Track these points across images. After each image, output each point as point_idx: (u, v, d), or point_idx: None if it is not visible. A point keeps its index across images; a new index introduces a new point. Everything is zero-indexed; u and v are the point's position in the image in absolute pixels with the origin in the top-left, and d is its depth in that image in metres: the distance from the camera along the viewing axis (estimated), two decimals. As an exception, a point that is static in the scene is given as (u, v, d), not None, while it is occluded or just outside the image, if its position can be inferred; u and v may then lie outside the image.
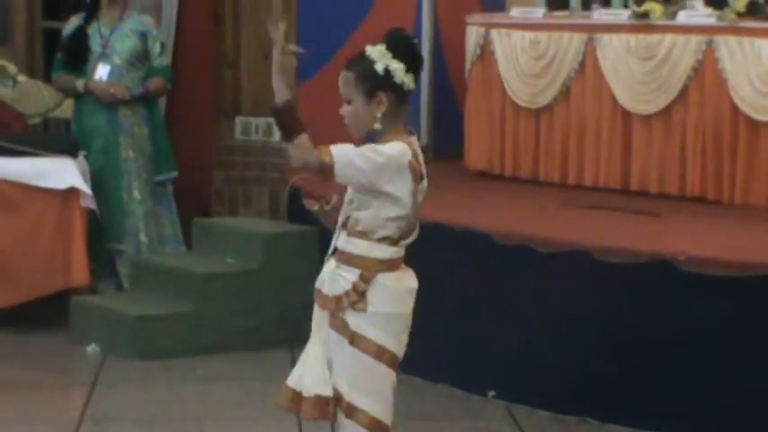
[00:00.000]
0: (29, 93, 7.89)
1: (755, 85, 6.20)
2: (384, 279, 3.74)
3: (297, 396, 3.82)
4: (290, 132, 3.77)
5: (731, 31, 6.33)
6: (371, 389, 3.75)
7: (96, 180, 6.98)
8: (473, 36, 7.30)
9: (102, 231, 7.09)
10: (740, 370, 5.09)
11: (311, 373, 3.78)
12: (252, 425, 5.46)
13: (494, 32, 7.21)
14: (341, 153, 3.69)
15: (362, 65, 3.80)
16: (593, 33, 6.82)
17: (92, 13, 7.35)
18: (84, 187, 6.77)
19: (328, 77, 8.06)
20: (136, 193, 7.29)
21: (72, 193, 6.77)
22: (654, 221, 6.07)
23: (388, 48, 3.80)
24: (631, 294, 5.31)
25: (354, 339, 3.72)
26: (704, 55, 6.40)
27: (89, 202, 6.80)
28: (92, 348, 6.48)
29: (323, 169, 3.70)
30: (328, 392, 3.74)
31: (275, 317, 6.57)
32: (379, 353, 3.74)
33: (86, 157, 7.05)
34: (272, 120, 8.90)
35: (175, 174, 7.49)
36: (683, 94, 6.50)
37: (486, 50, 7.25)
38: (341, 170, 3.68)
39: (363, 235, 3.74)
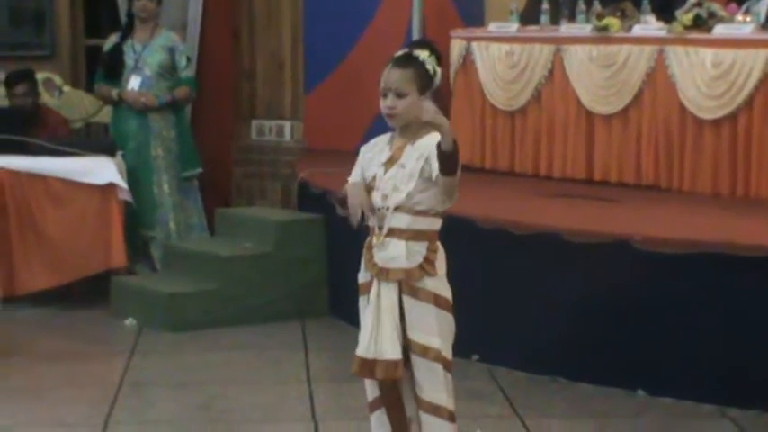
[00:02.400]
0: (73, 101, 7.88)
1: (700, 88, 6.19)
2: (440, 246, 3.91)
3: (365, 362, 3.90)
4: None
5: (679, 42, 6.31)
6: (449, 337, 3.92)
7: (131, 176, 6.97)
8: (456, 48, 7.28)
9: (137, 220, 7.08)
10: (688, 334, 5.08)
11: (385, 341, 3.86)
12: (269, 388, 5.46)
13: (474, 45, 7.19)
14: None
15: (417, 64, 3.88)
16: (561, 45, 6.80)
17: (127, 32, 7.34)
18: (121, 182, 6.76)
19: (333, 85, 8.08)
20: (165, 187, 7.27)
21: (111, 187, 6.75)
22: (614, 207, 6.07)
23: (431, 53, 3.91)
24: (595, 270, 5.30)
25: (436, 300, 3.86)
26: (656, 62, 6.39)
27: (125, 196, 6.78)
28: (129, 322, 6.47)
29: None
30: (398, 356, 3.85)
31: (288, 294, 6.55)
32: (449, 306, 3.91)
33: (123, 156, 7.04)
34: (282, 122, 8.92)
35: (200, 170, 7.47)
36: (638, 97, 6.48)
37: (467, 60, 7.23)
38: None
39: (425, 213, 3.86)
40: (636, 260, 5.16)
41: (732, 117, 6.10)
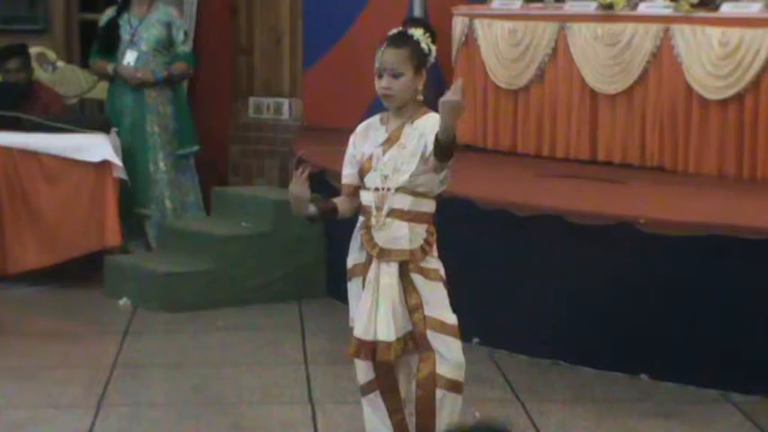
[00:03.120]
0: (67, 77, 7.84)
1: (707, 67, 6.16)
2: (435, 230, 3.94)
3: (363, 344, 3.91)
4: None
5: (685, 21, 6.27)
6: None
7: (126, 153, 6.94)
8: (458, 25, 7.24)
9: (131, 198, 7.05)
10: (692, 318, 5.07)
11: (381, 322, 3.88)
12: (266, 369, 5.45)
13: (477, 22, 7.15)
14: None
15: (412, 43, 3.88)
16: (565, 23, 6.77)
17: (124, 6, 7.30)
18: (116, 160, 6.72)
19: (332, 62, 8.04)
20: (161, 165, 7.24)
21: (105, 165, 6.72)
22: (618, 188, 6.04)
23: (425, 31, 3.89)
24: (599, 252, 5.28)
25: (441, 278, 3.92)
26: (662, 41, 6.35)
27: (120, 173, 6.75)
28: (123, 302, 6.45)
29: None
30: (392, 338, 3.87)
31: (285, 274, 6.53)
32: (446, 282, 3.96)
33: (118, 133, 7.00)
34: (280, 100, 8.89)
35: (197, 148, 7.44)
36: (643, 76, 6.45)
37: (470, 38, 7.19)
38: None
39: (425, 195, 3.88)
40: (640, 242, 5.14)
41: (739, 97, 6.07)
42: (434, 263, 3.92)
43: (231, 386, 5.18)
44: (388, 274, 3.88)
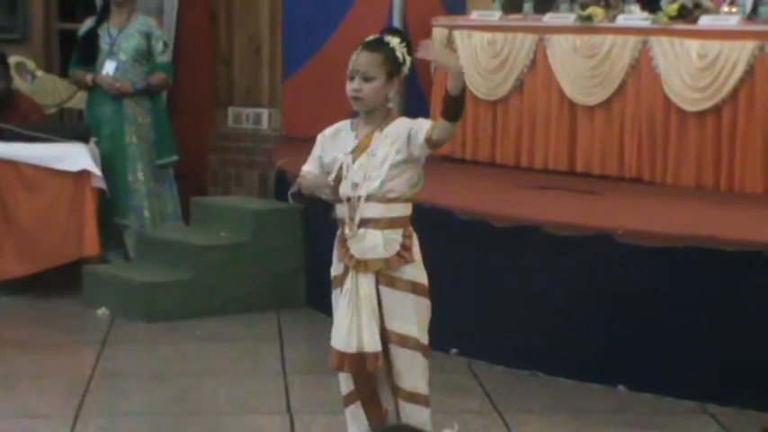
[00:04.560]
0: (46, 86, 7.83)
1: (685, 80, 6.20)
2: (413, 232, 3.94)
3: (344, 357, 3.92)
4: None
5: (664, 33, 6.32)
6: (426, 323, 3.97)
7: (105, 163, 6.92)
8: (438, 37, 7.26)
9: (110, 208, 7.04)
10: (669, 329, 5.09)
11: (365, 334, 3.88)
12: (244, 380, 5.44)
13: (456, 33, 7.17)
14: None
15: (387, 50, 3.90)
16: (544, 34, 6.80)
17: (103, 16, 7.29)
18: (95, 169, 6.72)
19: (312, 73, 8.05)
20: (140, 175, 7.23)
21: (84, 174, 6.71)
22: (596, 199, 6.07)
23: (401, 41, 3.93)
24: (576, 263, 5.30)
25: (414, 287, 3.90)
26: (640, 53, 6.39)
27: (99, 183, 6.75)
28: (102, 312, 6.43)
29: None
30: (378, 348, 3.88)
31: (264, 284, 6.53)
32: (426, 291, 3.94)
33: (97, 143, 6.99)
34: (259, 110, 8.89)
35: (176, 158, 7.43)
36: (621, 88, 6.48)
37: (449, 49, 7.20)
38: None
39: (397, 200, 3.88)
40: (618, 254, 5.16)
41: (716, 109, 6.11)
42: (410, 271, 3.90)
43: (210, 396, 5.18)
44: (366, 285, 3.89)
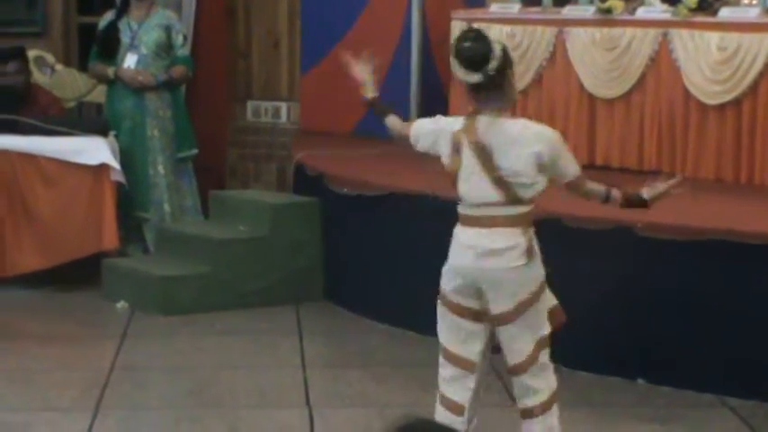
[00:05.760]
0: (65, 80, 7.85)
1: (705, 72, 6.17)
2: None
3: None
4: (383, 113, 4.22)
5: (684, 25, 6.29)
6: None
7: (125, 157, 6.94)
8: (457, 30, 7.23)
9: (130, 202, 7.06)
10: (689, 322, 5.08)
11: None
12: (263, 373, 5.45)
13: (475, 26, 7.14)
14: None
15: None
16: (563, 27, 6.77)
17: (123, 10, 7.31)
18: (114, 163, 6.73)
19: (330, 67, 8.03)
20: (160, 168, 7.25)
21: (103, 168, 6.73)
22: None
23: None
24: (596, 256, 5.29)
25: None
26: (660, 46, 6.36)
27: (118, 177, 6.76)
28: (121, 305, 6.45)
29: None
30: None
31: (282, 278, 6.54)
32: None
33: (116, 136, 7.01)
34: (278, 103, 8.90)
35: (195, 151, 7.44)
36: (641, 81, 6.46)
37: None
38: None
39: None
40: (638, 247, 5.15)
41: (736, 102, 6.08)
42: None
43: (228, 390, 5.19)
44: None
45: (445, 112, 7.33)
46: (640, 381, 5.16)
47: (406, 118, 8.78)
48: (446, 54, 7.52)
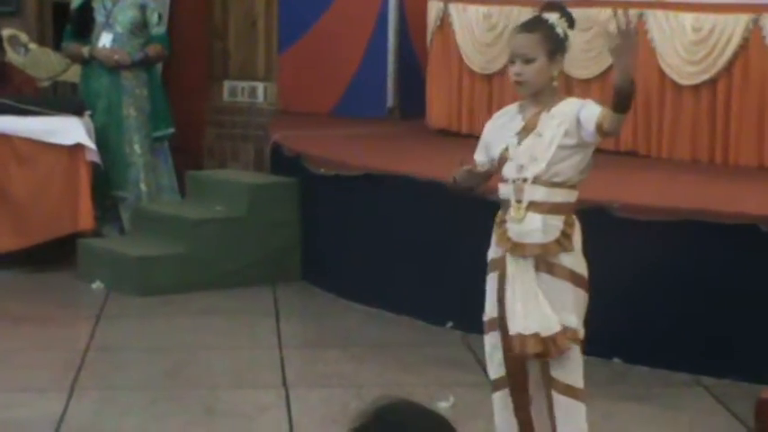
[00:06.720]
0: (39, 59, 7.79)
1: (680, 53, 6.17)
2: (576, 220, 3.76)
3: (523, 339, 3.71)
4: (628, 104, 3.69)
5: (659, 6, 6.28)
6: (583, 316, 3.77)
7: (101, 136, 6.90)
8: (434, 10, 7.22)
9: (107, 181, 7.02)
10: (664, 302, 5.09)
11: (522, 315, 3.69)
12: (240, 353, 5.44)
13: (452, 6, 7.13)
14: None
15: (545, 27, 3.75)
16: (538, 7, 6.74)
17: (97, -13, 7.25)
18: (89, 143, 6.69)
19: (307, 46, 8.02)
20: (137, 147, 7.21)
21: (78, 148, 6.68)
22: (591, 173, 6.02)
23: (561, 15, 3.78)
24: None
25: (572, 277, 3.71)
26: (636, 26, 6.35)
27: (93, 157, 6.72)
28: (96, 285, 6.42)
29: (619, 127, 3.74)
30: (557, 328, 3.69)
31: (259, 258, 6.52)
32: (585, 283, 3.76)
33: (91, 116, 6.96)
34: (255, 83, 8.82)
35: (172, 130, 7.41)
36: (617, 61, 6.44)
37: (445, 23, 7.17)
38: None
39: (562, 185, 3.72)
40: (614, 227, 5.15)
41: (711, 83, 6.08)
42: (568, 260, 3.71)
43: (205, 370, 5.17)
44: (524, 270, 3.72)
45: (421, 85, 7.38)
46: (616, 360, 5.17)
47: (383, 99, 8.78)
48: (423, 34, 7.53)
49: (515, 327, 3.70)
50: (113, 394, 4.88)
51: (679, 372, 5.03)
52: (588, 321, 5.04)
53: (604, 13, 6.46)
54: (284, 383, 4.98)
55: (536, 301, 3.69)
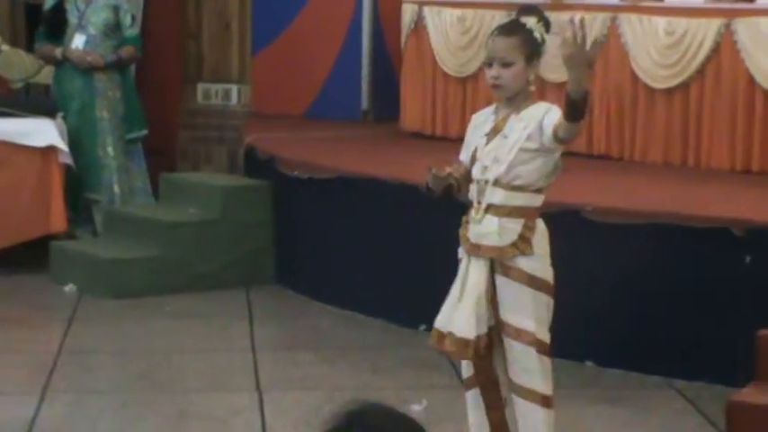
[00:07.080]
0: (11, 60, 7.74)
1: (653, 57, 6.20)
2: (539, 224, 3.75)
3: (441, 335, 3.77)
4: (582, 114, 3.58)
5: (632, 10, 6.31)
6: (546, 320, 3.76)
7: (74, 138, 6.87)
8: (408, 13, 7.23)
9: (80, 183, 6.99)
10: (636, 305, 5.11)
11: (461, 317, 3.72)
12: (213, 356, 5.42)
13: (426, 9, 7.14)
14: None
15: (523, 31, 3.75)
16: (512, 11, 6.75)
17: (70, -11, 7.22)
18: (62, 145, 6.66)
19: (281, 49, 8.01)
20: (110, 150, 7.18)
21: (51, 150, 6.65)
22: (564, 176, 6.04)
23: (539, 20, 3.78)
24: (545, 240, 5.29)
25: (531, 281, 3.69)
26: (609, 30, 6.38)
27: (66, 159, 6.69)
28: (69, 288, 6.39)
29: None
30: (471, 336, 3.69)
31: (233, 261, 6.50)
32: (548, 287, 3.74)
33: (64, 118, 6.93)
34: (229, 86, 8.81)
35: (145, 132, 7.38)
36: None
37: (419, 25, 7.18)
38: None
39: (522, 188, 3.71)
40: (587, 230, 5.16)
41: (684, 86, 6.12)
42: (527, 263, 3.70)
43: (178, 373, 5.15)
44: (477, 271, 3.73)
45: (395, 88, 7.38)
46: (589, 363, 5.19)
47: (357, 102, 8.77)
48: (397, 37, 7.54)
49: (456, 328, 3.74)
50: (85, 398, 4.85)
51: (651, 375, 5.05)
52: (560, 325, 5.06)
53: (578, 17, 6.47)
54: (257, 386, 4.97)
55: (471, 303, 3.71)
